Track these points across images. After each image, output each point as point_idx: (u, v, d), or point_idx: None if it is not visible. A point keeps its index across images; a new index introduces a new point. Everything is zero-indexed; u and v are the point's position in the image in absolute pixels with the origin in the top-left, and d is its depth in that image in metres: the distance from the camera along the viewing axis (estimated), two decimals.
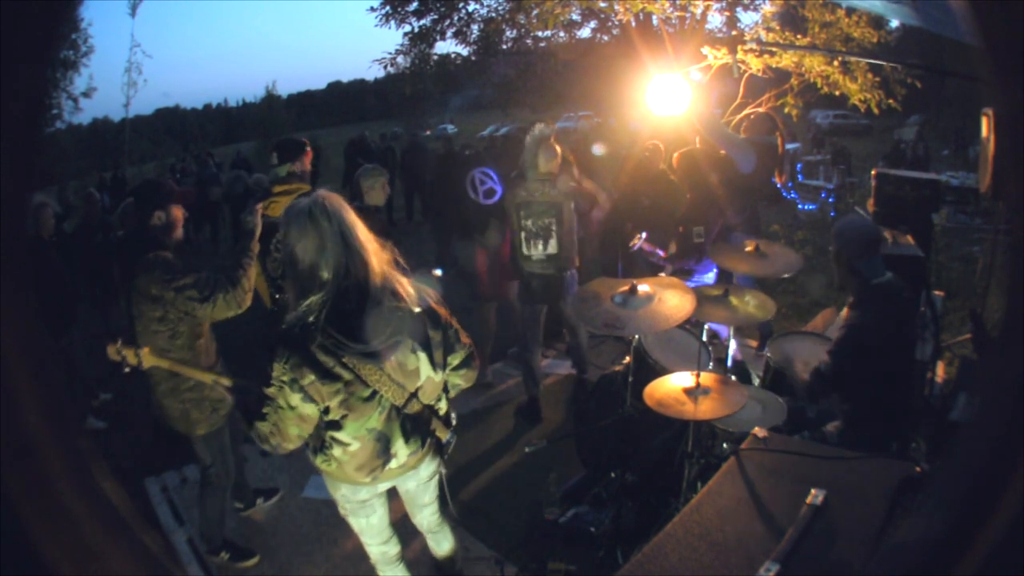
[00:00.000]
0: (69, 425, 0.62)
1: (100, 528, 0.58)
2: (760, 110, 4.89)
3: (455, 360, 2.04)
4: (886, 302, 2.46)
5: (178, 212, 2.61)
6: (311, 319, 1.74)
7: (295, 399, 1.76)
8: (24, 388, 0.53)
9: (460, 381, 2.10)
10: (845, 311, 2.62)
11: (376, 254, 1.81)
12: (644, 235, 4.01)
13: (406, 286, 1.87)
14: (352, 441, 1.88)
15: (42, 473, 0.55)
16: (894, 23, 9.06)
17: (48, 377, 0.57)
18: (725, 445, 2.68)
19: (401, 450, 1.96)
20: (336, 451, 1.90)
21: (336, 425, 1.85)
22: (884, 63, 6.73)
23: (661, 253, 4.23)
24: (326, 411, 1.82)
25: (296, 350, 1.73)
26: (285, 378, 1.74)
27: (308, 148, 3.47)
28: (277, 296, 3.41)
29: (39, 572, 0.54)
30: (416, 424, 1.97)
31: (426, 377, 1.93)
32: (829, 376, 2.46)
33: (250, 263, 2.61)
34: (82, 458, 0.60)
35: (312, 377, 1.74)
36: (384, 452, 1.93)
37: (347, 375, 1.77)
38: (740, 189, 4.12)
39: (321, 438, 1.91)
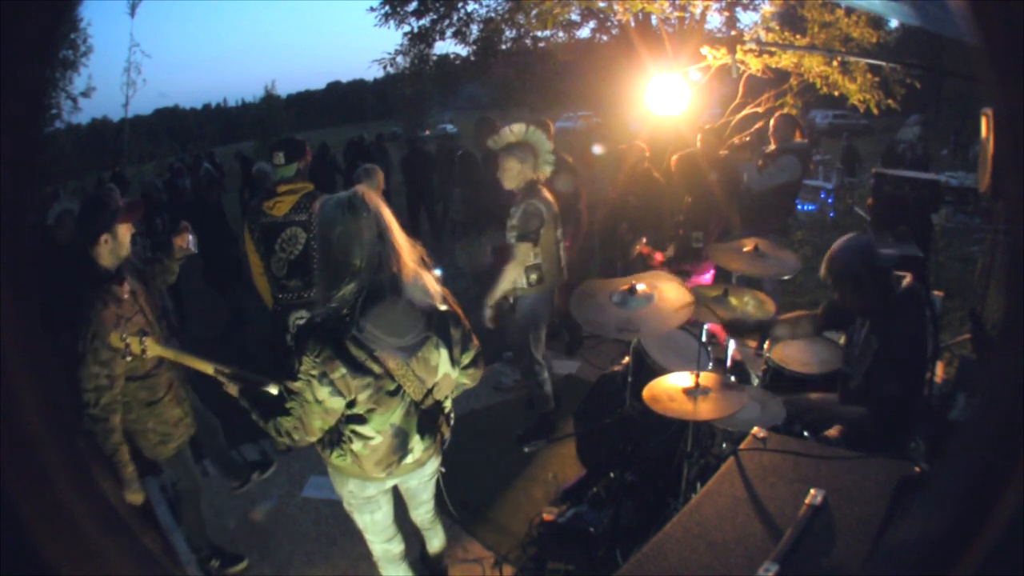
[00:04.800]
0: (69, 425, 0.62)
1: (100, 528, 0.58)
2: (784, 112, 5.09)
3: (466, 359, 2.07)
4: (916, 304, 2.40)
5: (125, 231, 2.47)
6: (345, 312, 1.75)
7: (323, 393, 1.75)
8: (24, 388, 0.53)
9: (467, 380, 2.14)
10: (866, 326, 2.49)
11: (407, 251, 1.85)
12: (644, 240, 4.03)
13: (433, 283, 1.91)
14: (375, 435, 1.89)
15: (42, 473, 0.54)
16: (893, 23, 9.07)
17: (48, 377, 0.57)
18: (724, 445, 2.68)
19: (417, 445, 1.99)
20: (356, 445, 1.90)
21: (360, 419, 1.86)
22: (883, 63, 6.73)
23: (658, 256, 4.26)
24: (351, 405, 1.82)
25: (328, 343, 1.73)
26: (314, 372, 1.73)
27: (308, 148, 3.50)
28: (280, 296, 3.41)
29: (39, 572, 0.54)
30: (429, 420, 2.00)
31: (443, 374, 1.97)
32: (901, 398, 2.31)
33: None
34: (82, 458, 0.60)
35: (343, 371, 1.74)
36: (402, 447, 1.96)
37: (377, 368, 1.79)
38: (789, 196, 4.63)
39: (338, 432, 1.91)
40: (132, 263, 2.64)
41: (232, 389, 2.02)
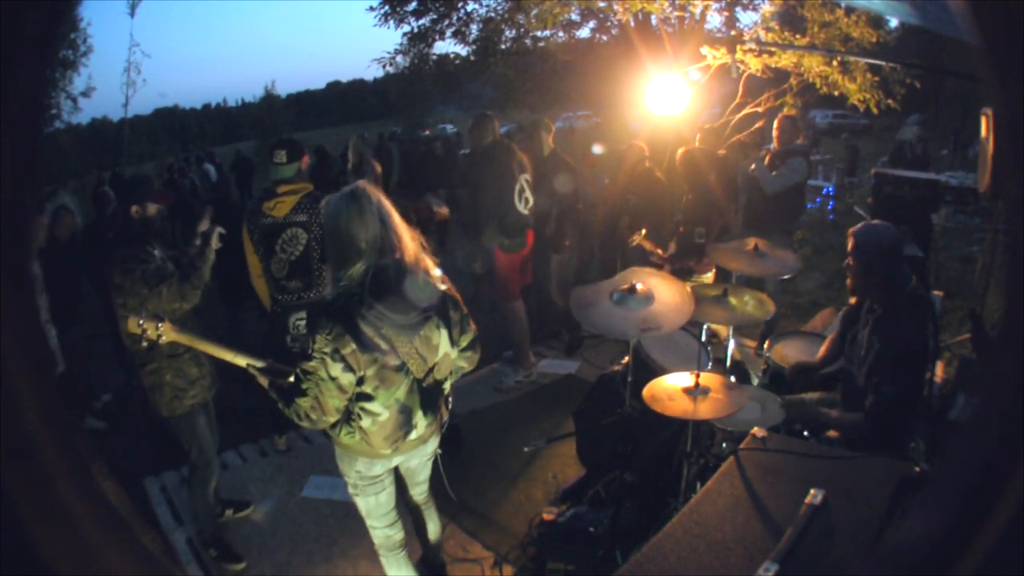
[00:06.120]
0: (69, 425, 0.62)
1: (100, 528, 0.58)
2: (788, 115, 5.25)
3: (464, 341, 2.20)
4: (920, 307, 2.40)
5: (153, 209, 2.77)
6: (354, 291, 1.89)
7: (336, 369, 1.88)
8: (24, 388, 0.53)
9: (464, 363, 2.26)
10: (867, 329, 2.50)
11: (408, 237, 2.00)
12: (644, 231, 4.02)
13: (433, 268, 2.06)
14: (383, 411, 2.01)
15: (42, 473, 0.54)
16: (893, 23, 9.07)
17: (48, 377, 0.57)
18: (724, 445, 2.69)
19: (420, 422, 2.11)
20: (365, 421, 2.01)
21: (368, 396, 1.98)
22: (883, 63, 6.73)
23: (660, 252, 4.26)
24: (360, 382, 1.94)
25: (339, 320, 1.86)
26: (327, 349, 1.86)
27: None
28: (279, 297, 3.40)
29: (39, 572, 0.54)
30: (430, 398, 2.12)
31: (443, 353, 2.09)
32: (896, 401, 2.31)
33: (204, 263, 2.75)
34: (82, 458, 0.60)
35: (353, 346, 1.87)
36: (407, 423, 2.07)
37: (384, 345, 1.92)
38: (801, 196, 4.91)
39: (348, 410, 2.01)
40: (163, 236, 2.86)
41: (263, 381, 2.12)
